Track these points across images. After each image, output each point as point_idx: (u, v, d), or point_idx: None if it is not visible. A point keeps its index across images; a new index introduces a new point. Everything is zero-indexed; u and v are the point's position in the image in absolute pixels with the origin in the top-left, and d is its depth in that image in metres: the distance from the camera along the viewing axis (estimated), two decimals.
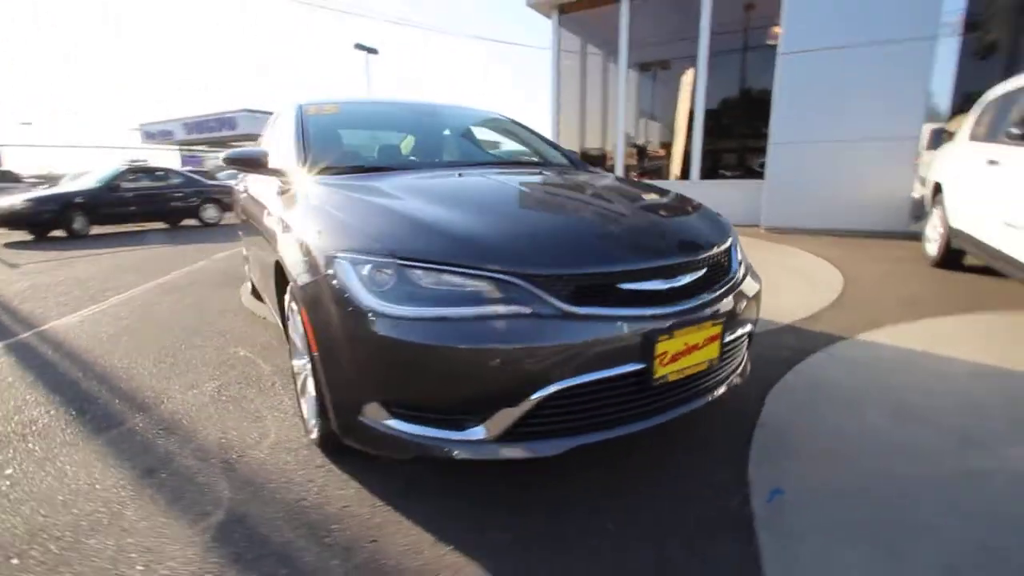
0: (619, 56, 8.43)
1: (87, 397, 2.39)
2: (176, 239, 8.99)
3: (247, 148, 2.39)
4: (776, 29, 7.50)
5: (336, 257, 1.46)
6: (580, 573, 1.30)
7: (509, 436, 1.35)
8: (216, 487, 1.68)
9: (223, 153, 2.39)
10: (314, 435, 1.81)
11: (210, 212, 11.46)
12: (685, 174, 8.32)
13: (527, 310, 1.31)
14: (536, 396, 1.31)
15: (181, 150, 34.91)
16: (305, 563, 1.34)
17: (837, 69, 6.12)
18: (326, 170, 2.11)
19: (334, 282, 1.44)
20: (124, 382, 2.55)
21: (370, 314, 1.35)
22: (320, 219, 1.70)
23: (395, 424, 1.41)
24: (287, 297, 1.92)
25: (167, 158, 33.84)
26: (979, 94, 4.28)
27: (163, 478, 1.73)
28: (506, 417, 1.33)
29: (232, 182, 14.05)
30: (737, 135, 8.27)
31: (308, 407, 1.89)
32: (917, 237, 5.69)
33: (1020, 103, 3.46)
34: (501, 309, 1.31)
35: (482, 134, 3.05)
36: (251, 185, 2.86)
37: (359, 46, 26.31)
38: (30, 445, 1.96)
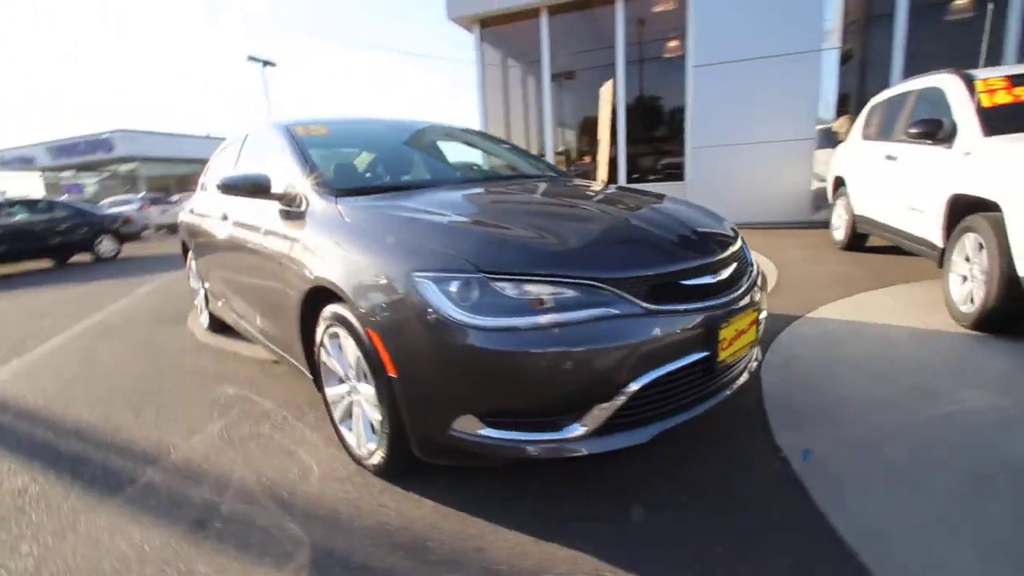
0: (542, 68, 8.79)
1: (74, 458, 2.14)
2: (74, 277, 8.03)
3: (248, 173, 2.29)
4: (672, 43, 8.23)
5: (417, 277, 1.48)
6: (682, 543, 1.42)
7: (603, 430, 1.45)
8: (284, 527, 1.61)
9: (219, 180, 2.26)
10: (375, 460, 1.78)
11: (106, 245, 10.32)
12: (612, 179, 8.83)
13: (615, 311, 1.42)
14: (629, 390, 1.42)
15: (45, 176, 30.93)
16: None
17: (742, 79, 6.86)
18: (349, 192, 2.07)
19: (418, 301, 1.46)
20: (109, 436, 2.31)
21: (464, 329, 1.39)
22: (374, 241, 1.69)
23: (490, 433, 1.46)
24: (323, 325, 1.87)
25: (27, 187, 29.86)
26: (847, 97, 5.02)
27: (219, 528, 1.63)
28: (602, 412, 1.43)
29: (120, 210, 12.65)
30: (654, 140, 8.93)
31: (359, 433, 1.86)
32: (820, 225, 6.51)
33: (905, 108, 4.13)
34: (595, 312, 1.41)
35: (464, 148, 3.11)
36: (234, 211, 2.68)
37: (253, 58, 24.94)
38: (35, 517, 1.74)
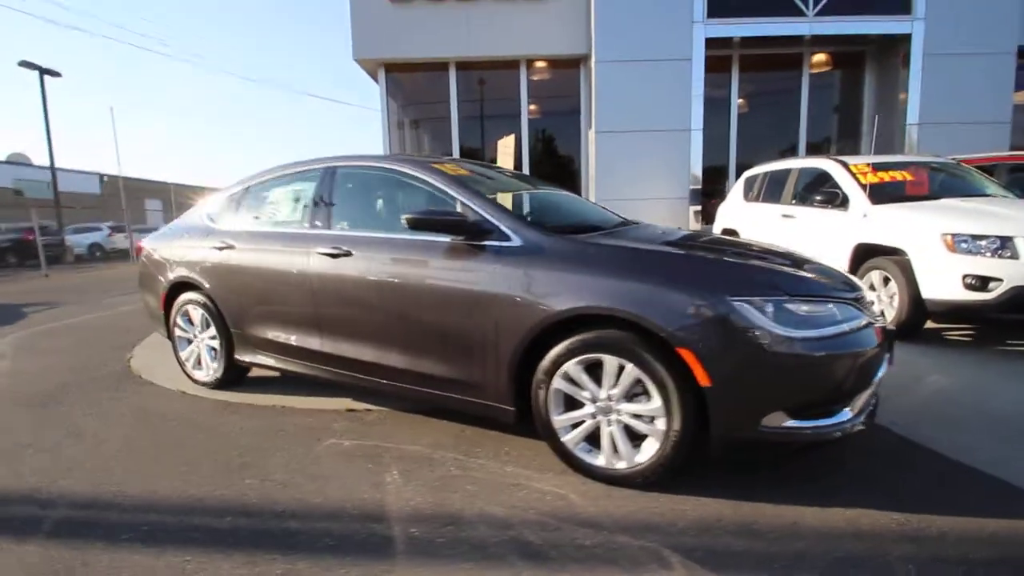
0: (451, 118, 9.21)
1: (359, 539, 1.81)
2: None
3: (445, 211, 2.30)
4: (532, 107, 9.41)
5: (735, 301, 1.80)
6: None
7: (859, 412, 1.93)
8: (627, 547, 1.71)
9: (408, 216, 2.20)
10: (633, 470, 1.97)
11: None
12: None
13: (864, 321, 1.95)
14: (877, 378, 1.94)
15: None
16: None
17: (634, 146, 8.24)
18: (558, 230, 2.26)
19: (738, 320, 1.78)
20: (199, 506, 1.98)
21: (783, 340, 1.77)
22: (650, 272, 1.95)
23: (792, 423, 1.83)
24: (570, 356, 2.01)
25: None
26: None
27: (555, 555, 1.65)
28: (862, 397, 1.92)
29: None
30: None
31: (607, 451, 2.02)
32: None
33: (789, 180, 5.61)
34: (857, 322, 1.91)
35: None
36: (371, 251, 2.52)
37: (27, 63, 20.27)
38: None
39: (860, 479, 2.05)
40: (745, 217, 6.41)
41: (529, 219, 2.47)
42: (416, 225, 2.25)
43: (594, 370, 2.04)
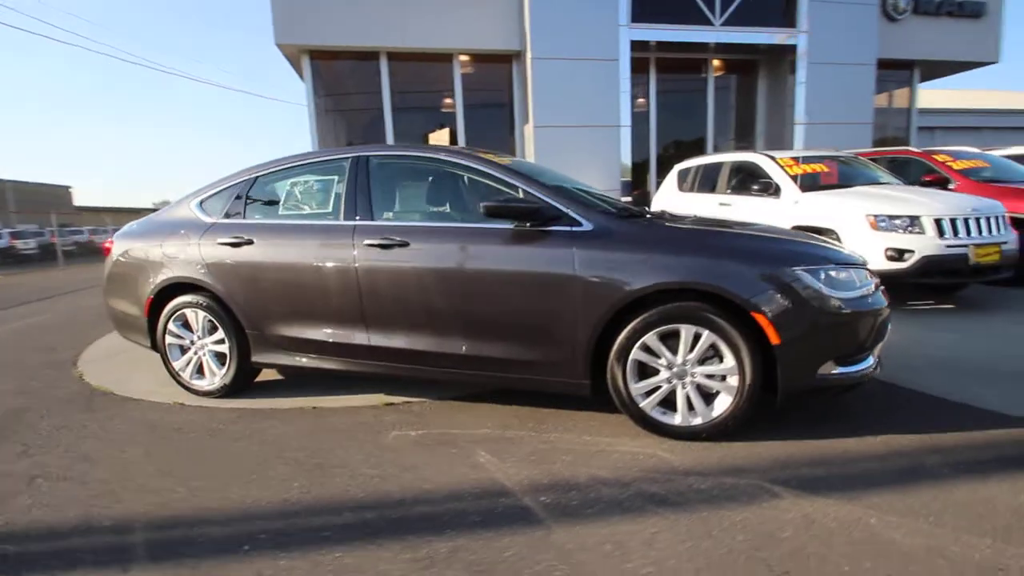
0: (384, 109, 8.94)
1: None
2: None
3: (517, 198, 2.36)
4: (448, 100, 9.55)
5: (799, 271, 2.13)
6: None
7: (877, 360, 2.36)
8: (734, 484, 1.96)
9: (486, 204, 2.26)
10: (708, 424, 2.24)
11: None
12: None
13: (875, 283, 2.37)
14: (888, 330, 2.39)
15: None
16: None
17: (571, 140, 8.62)
18: (620, 215, 2.45)
19: (801, 287, 2.11)
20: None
21: (837, 301, 2.13)
22: (720, 247, 2.23)
23: (839, 370, 2.20)
24: (649, 329, 2.23)
25: None
26: None
27: (675, 499, 1.86)
28: (878, 347, 2.35)
29: None
30: None
31: (682, 411, 2.28)
32: None
33: (722, 172, 6.28)
34: (874, 282, 2.33)
35: None
36: (426, 240, 2.51)
37: None
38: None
39: (874, 416, 2.50)
40: (682, 206, 7.05)
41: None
42: (494, 213, 2.32)
43: (666, 339, 2.28)
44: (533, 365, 2.45)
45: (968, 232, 4.24)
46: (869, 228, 4.40)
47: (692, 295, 2.22)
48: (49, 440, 2.63)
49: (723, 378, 2.23)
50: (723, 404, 2.25)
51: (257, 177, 3.03)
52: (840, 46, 9.32)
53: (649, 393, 2.33)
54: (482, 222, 2.50)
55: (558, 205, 2.41)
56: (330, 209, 2.82)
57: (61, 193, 35.91)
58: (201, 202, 3.11)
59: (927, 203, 4.38)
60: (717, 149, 10.22)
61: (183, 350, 3.12)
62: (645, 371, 2.34)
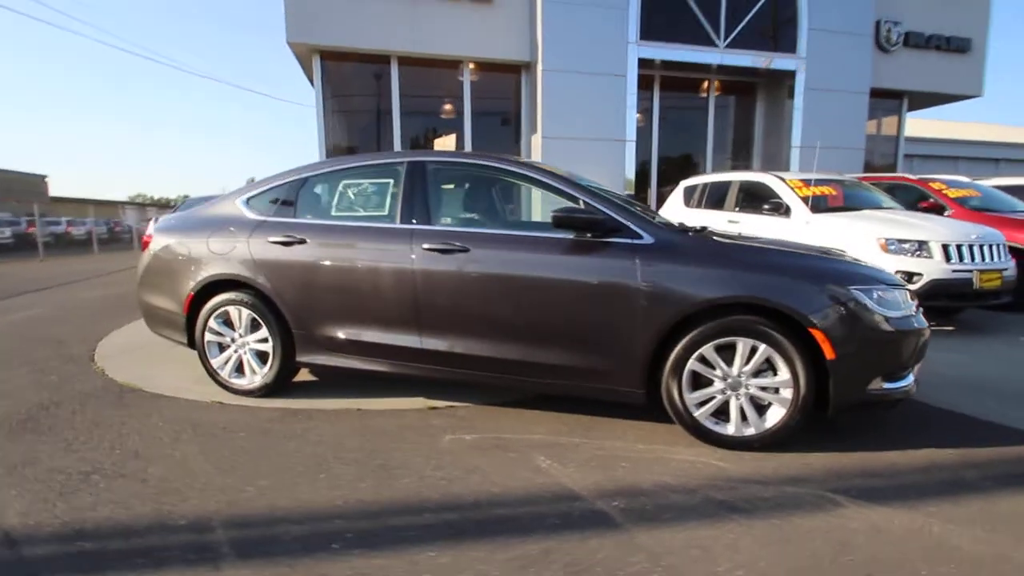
0: (393, 114, 8.96)
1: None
2: None
3: (584, 209, 2.42)
4: (447, 106, 9.64)
5: (855, 290, 2.24)
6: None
7: (915, 378, 2.48)
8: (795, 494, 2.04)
9: (556, 213, 2.32)
10: (760, 434, 2.33)
11: None
12: None
13: (915, 305, 2.50)
14: (926, 350, 2.51)
15: None
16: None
17: (577, 152, 8.75)
18: (673, 229, 2.55)
19: (856, 305, 2.22)
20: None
21: (887, 319, 2.25)
22: (787, 269, 2.33)
23: (887, 386, 2.31)
24: (708, 341, 2.31)
25: None
26: None
27: (747, 508, 1.93)
28: (917, 366, 2.47)
29: None
30: None
31: (736, 421, 2.36)
32: None
33: (731, 190, 6.46)
34: (914, 306, 2.45)
35: None
36: (500, 250, 2.57)
37: None
38: None
39: (910, 430, 2.62)
40: (694, 222, 7.22)
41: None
42: (563, 223, 2.39)
43: (721, 351, 2.36)
44: (589, 373, 2.51)
45: (972, 258, 4.46)
46: (880, 251, 4.59)
47: (745, 309, 2.32)
48: (91, 436, 2.58)
49: (776, 391, 2.32)
50: (775, 416, 2.34)
51: (308, 177, 3.04)
52: (836, 74, 9.68)
53: (702, 403, 2.41)
54: (541, 231, 2.57)
55: (618, 217, 2.49)
56: (386, 212, 2.85)
57: (36, 182, 34.70)
58: (248, 200, 3.11)
59: (934, 228, 4.59)
60: (716, 167, 10.48)
61: (222, 348, 3.09)
62: (698, 382, 2.42)
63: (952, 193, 6.32)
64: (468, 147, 9.41)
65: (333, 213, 2.99)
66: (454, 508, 1.94)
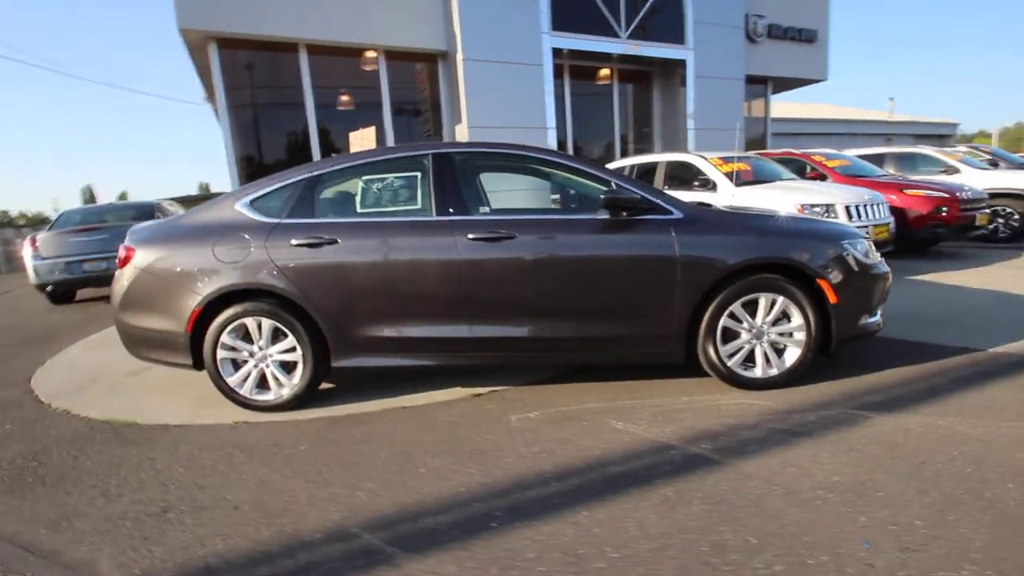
0: (306, 105, 8.42)
1: None
2: None
3: (627, 191, 2.61)
4: (363, 98, 9.49)
5: (846, 244, 2.70)
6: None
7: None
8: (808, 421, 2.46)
9: (605, 196, 2.49)
10: (782, 373, 2.74)
11: None
12: None
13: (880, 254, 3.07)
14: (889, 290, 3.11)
15: None
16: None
17: (503, 139, 8.93)
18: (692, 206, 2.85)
19: (848, 257, 2.70)
20: None
21: (870, 266, 2.76)
22: (779, 229, 2.73)
23: (868, 321, 2.84)
24: (737, 299, 2.66)
25: None
26: None
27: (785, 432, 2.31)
28: (883, 308, 3.06)
29: None
30: None
31: (761, 365, 2.76)
32: None
33: (659, 170, 7.07)
34: (880, 254, 3.02)
35: None
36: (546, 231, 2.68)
37: None
38: None
39: (877, 358, 3.21)
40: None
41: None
42: (611, 204, 2.58)
43: (746, 306, 2.73)
44: (639, 339, 2.75)
45: (867, 216, 5.42)
46: (799, 215, 5.39)
47: (765, 268, 2.71)
48: (123, 478, 2.30)
49: (790, 334, 2.75)
50: (792, 356, 2.77)
51: (321, 175, 2.89)
52: (718, 62, 10.86)
53: (732, 354, 2.77)
54: (578, 213, 2.75)
55: (651, 196, 2.75)
56: (419, 205, 2.82)
57: None
58: (251, 202, 2.88)
59: (837, 193, 5.49)
60: (623, 150, 11.29)
61: (236, 364, 2.87)
62: (726, 335, 2.78)
63: (830, 164, 7.50)
64: (390, 140, 9.18)
65: (359, 210, 2.89)
66: (573, 474, 2.08)
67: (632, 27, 9.97)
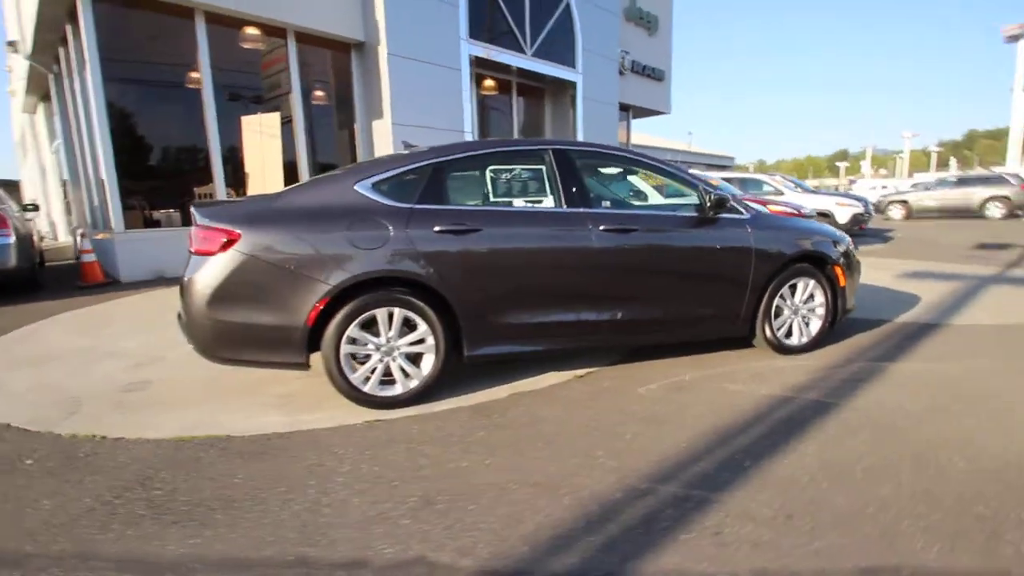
0: (204, 82, 7.26)
1: None
2: None
3: (723, 194, 3.09)
4: (194, 74, 8.82)
5: (845, 240, 3.61)
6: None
7: None
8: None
9: (716, 197, 2.96)
10: (806, 341, 3.54)
11: None
12: None
13: None
14: None
15: None
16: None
17: (426, 139, 8.84)
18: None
19: (849, 248, 3.62)
20: None
21: (855, 258, 3.73)
22: (802, 229, 3.53)
23: (853, 300, 3.81)
24: (788, 282, 3.38)
25: None
26: None
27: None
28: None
29: None
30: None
31: (797, 333, 3.52)
32: None
33: None
34: None
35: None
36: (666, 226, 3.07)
37: None
38: None
39: (848, 327, 4.25)
40: None
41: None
42: (717, 205, 3.06)
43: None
44: (718, 319, 3.30)
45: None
46: None
47: (799, 258, 3.48)
48: (321, 487, 2.03)
49: (813, 310, 3.57)
50: (815, 326, 3.59)
51: (448, 161, 2.83)
52: (601, 88, 12.28)
53: (778, 329, 3.49)
54: (680, 210, 3.18)
55: (730, 199, 3.32)
56: (549, 197, 2.95)
57: None
58: (374, 185, 2.69)
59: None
60: None
61: (356, 358, 2.65)
62: (770, 312, 3.49)
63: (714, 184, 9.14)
64: (299, 128, 8.44)
65: (492, 199, 2.89)
66: (749, 425, 2.50)
67: (536, 45, 10.74)
